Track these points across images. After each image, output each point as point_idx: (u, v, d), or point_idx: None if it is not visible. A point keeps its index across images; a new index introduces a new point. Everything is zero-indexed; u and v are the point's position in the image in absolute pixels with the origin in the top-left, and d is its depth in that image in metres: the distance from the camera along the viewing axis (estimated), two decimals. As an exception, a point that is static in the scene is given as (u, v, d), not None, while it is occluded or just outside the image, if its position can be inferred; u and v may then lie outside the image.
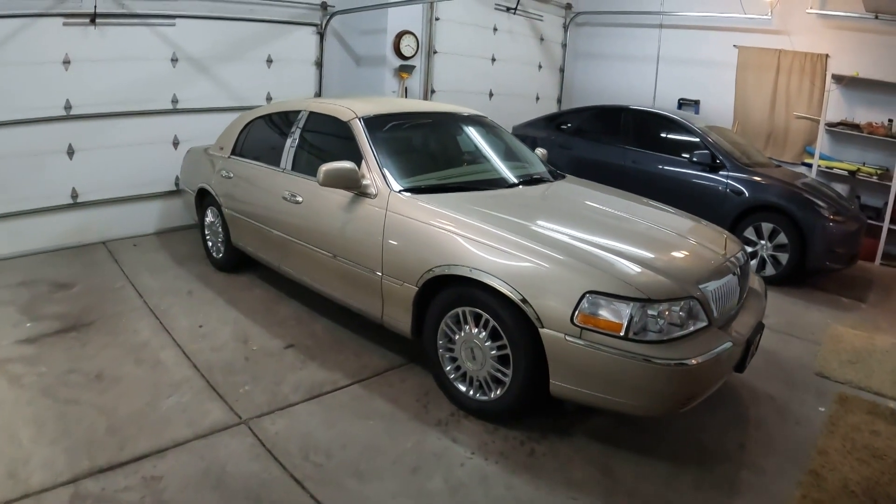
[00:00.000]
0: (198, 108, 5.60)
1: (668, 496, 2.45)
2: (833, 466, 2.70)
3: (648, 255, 2.81)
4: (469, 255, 2.77)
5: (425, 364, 3.34)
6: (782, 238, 5.14)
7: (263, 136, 4.31)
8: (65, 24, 4.73)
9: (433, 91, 7.02)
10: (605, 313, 2.44)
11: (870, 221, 5.89)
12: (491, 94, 7.78)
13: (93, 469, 2.40)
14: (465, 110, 4.28)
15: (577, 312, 2.46)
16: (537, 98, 8.55)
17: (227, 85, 5.76)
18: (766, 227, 5.22)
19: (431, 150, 3.87)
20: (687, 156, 5.66)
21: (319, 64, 6.44)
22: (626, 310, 2.42)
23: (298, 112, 3.98)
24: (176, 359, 3.35)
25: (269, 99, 6.09)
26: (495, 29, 7.64)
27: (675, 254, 2.95)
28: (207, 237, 4.83)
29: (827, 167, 6.73)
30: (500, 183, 3.58)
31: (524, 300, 2.56)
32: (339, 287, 3.46)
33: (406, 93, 6.62)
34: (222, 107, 5.73)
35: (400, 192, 3.17)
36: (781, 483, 2.57)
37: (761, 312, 3.12)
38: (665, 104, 7.84)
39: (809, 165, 6.80)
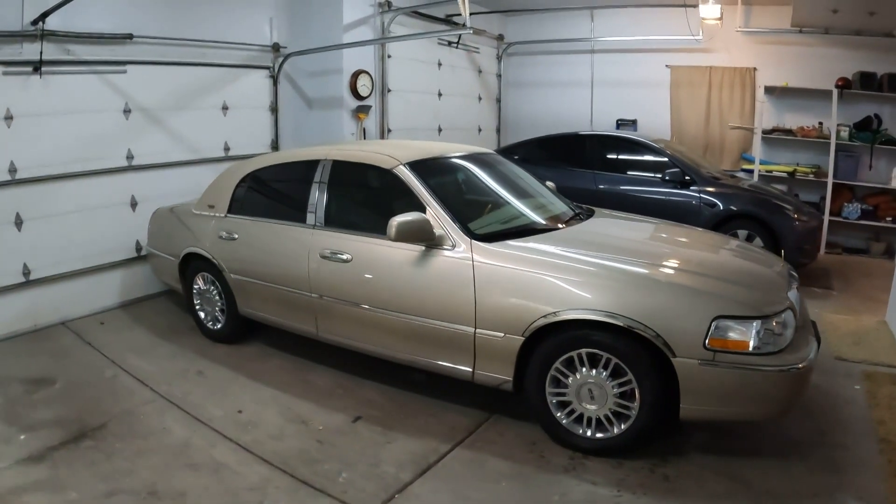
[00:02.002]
0: (155, 163, 5.10)
1: (794, 486, 2.71)
2: (894, 432, 3.15)
3: (741, 275, 3.02)
4: (585, 297, 2.75)
5: (510, 412, 3.27)
6: (758, 242, 5.63)
7: (270, 190, 4.00)
8: (4, 73, 4.16)
9: (389, 130, 6.93)
10: (733, 335, 2.59)
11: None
12: (440, 130, 7.84)
13: None
14: (478, 148, 4.26)
15: (707, 337, 2.56)
16: (479, 130, 8.74)
17: (184, 136, 5.31)
18: (742, 233, 5.70)
19: (474, 193, 3.79)
20: (657, 175, 6.06)
21: (275, 109, 6.14)
22: (751, 328, 2.58)
23: (317, 162, 3.73)
24: (237, 456, 2.96)
25: (227, 149, 5.69)
26: (440, 64, 7.73)
27: (756, 270, 3.17)
28: (198, 306, 4.37)
29: (766, 171, 7.48)
30: (558, 220, 3.60)
31: (657, 335, 2.60)
32: (411, 347, 3.25)
33: (364, 133, 6.49)
34: (180, 160, 5.28)
35: (481, 240, 3.08)
36: (865, 453, 2.96)
37: (808, 312, 3.42)
38: (602, 125, 8.35)
39: (750, 171, 7.54)
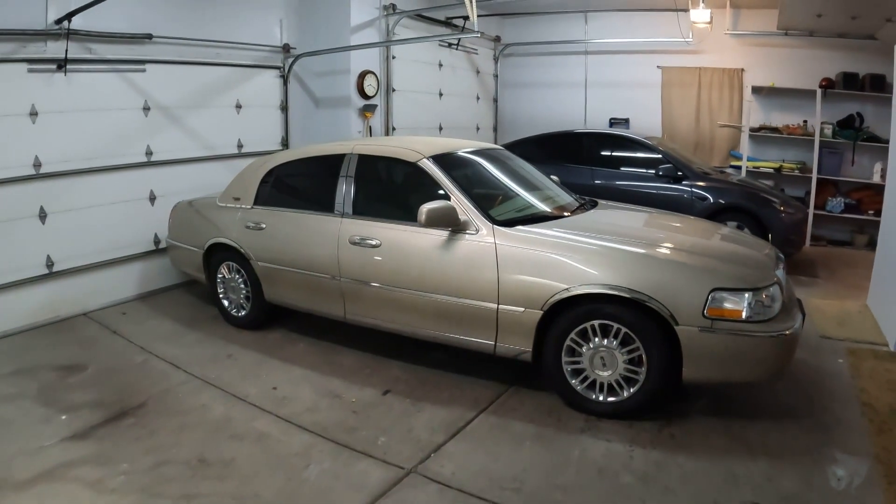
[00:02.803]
0: (172, 159, 5.38)
1: (790, 443, 3.07)
2: (877, 398, 3.55)
3: (734, 255, 3.41)
4: (594, 275, 3.11)
5: (528, 384, 3.61)
6: (747, 233, 6.04)
7: (297, 183, 4.31)
8: (29, 70, 4.39)
9: (394, 129, 7.26)
10: (728, 304, 2.96)
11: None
12: (441, 128, 8.19)
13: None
14: (487, 144, 4.62)
15: (706, 307, 2.94)
16: (477, 128, 9.12)
17: (199, 133, 5.59)
18: (732, 224, 6.10)
19: (485, 185, 4.12)
20: (652, 170, 6.46)
21: (285, 108, 6.44)
22: (743, 299, 2.95)
23: (343, 156, 4.05)
24: (278, 427, 3.24)
25: (240, 146, 5.98)
26: (440, 65, 8.09)
27: (746, 252, 3.55)
28: (222, 295, 4.66)
29: (754, 167, 7.94)
30: (565, 209, 3.95)
31: (661, 306, 2.97)
32: (438, 324, 3.58)
33: (370, 132, 6.81)
34: (196, 157, 5.57)
35: (501, 225, 3.42)
36: (850, 416, 3.35)
37: (794, 291, 3.82)
38: (595, 124, 8.78)
39: (738, 167, 7.99)
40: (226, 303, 4.64)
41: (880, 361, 4.11)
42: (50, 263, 4.68)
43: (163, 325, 4.73)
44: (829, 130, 7.67)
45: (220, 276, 4.62)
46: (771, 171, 7.92)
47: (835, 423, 3.26)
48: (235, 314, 4.60)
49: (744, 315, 2.94)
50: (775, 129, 7.97)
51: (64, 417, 3.34)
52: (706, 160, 8.13)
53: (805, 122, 7.89)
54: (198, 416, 3.36)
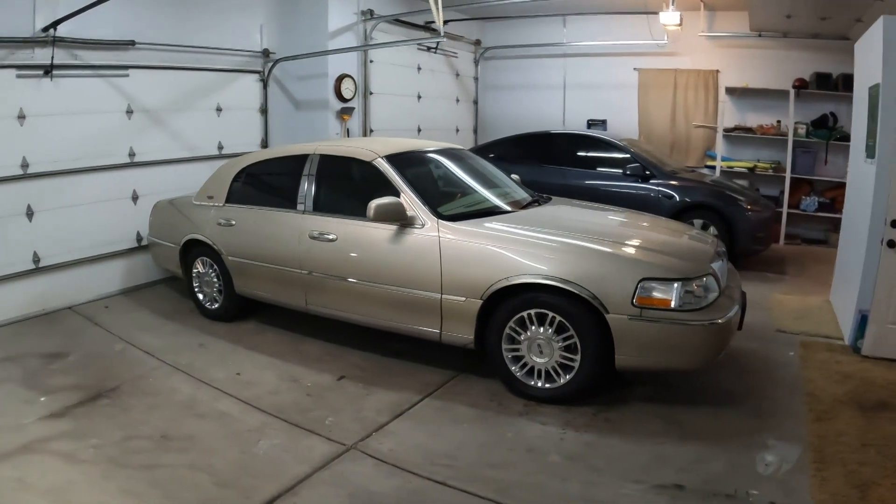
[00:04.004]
0: (154, 160, 5.65)
1: (723, 427, 3.25)
2: (821, 388, 3.68)
3: (669, 247, 3.62)
4: (534, 266, 3.34)
5: (476, 371, 3.84)
6: (713, 230, 6.25)
7: (264, 182, 4.57)
8: (18, 76, 4.66)
9: (371, 130, 7.52)
10: (657, 294, 3.17)
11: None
12: (419, 130, 8.45)
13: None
14: (450, 144, 4.87)
15: (635, 296, 3.15)
16: (457, 130, 9.38)
17: (181, 135, 5.86)
18: (698, 222, 6.30)
19: (443, 181, 4.38)
20: (620, 170, 6.68)
21: (264, 111, 6.72)
22: (672, 288, 3.15)
23: (306, 156, 4.31)
24: (238, 407, 3.50)
25: (220, 147, 6.25)
26: (419, 68, 8.35)
27: (684, 244, 3.77)
28: (197, 289, 4.92)
29: (728, 167, 8.15)
30: (517, 205, 4.18)
31: (593, 296, 3.19)
32: (388, 313, 3.83)
33: (348, 133, 7.07)
34: (178, 158, 5.83)
35: (446, 220, 3.67)
36: (791, 404, 3.49)
37: (740, 284, 4.01)
38: (574, 125, 9.02)
39: (713, 167, 8.19)
40: (200, 296, 4.91)
41: (832, 354, 4.22)
42: (37, 259, 4.94)
43: (142, 317, 4.99)
44: (802, 130, 7.85)
45: (195, 270, 4.89)
46: (745, 170, 8.11)
47: (774, 411, 3.42)
48: (209, 307, 4.86)
49: (673, 304, 3.14)
50: (749, 130, 8.17)
51: (43, 399, 3.59)
52: (682, 160, 8.35)
53: (779, 122, 8.08)
54: (166, 398, 3.63)
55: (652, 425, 3.27)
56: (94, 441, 3.13)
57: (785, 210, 7.80)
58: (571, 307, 3.27)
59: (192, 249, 4.85)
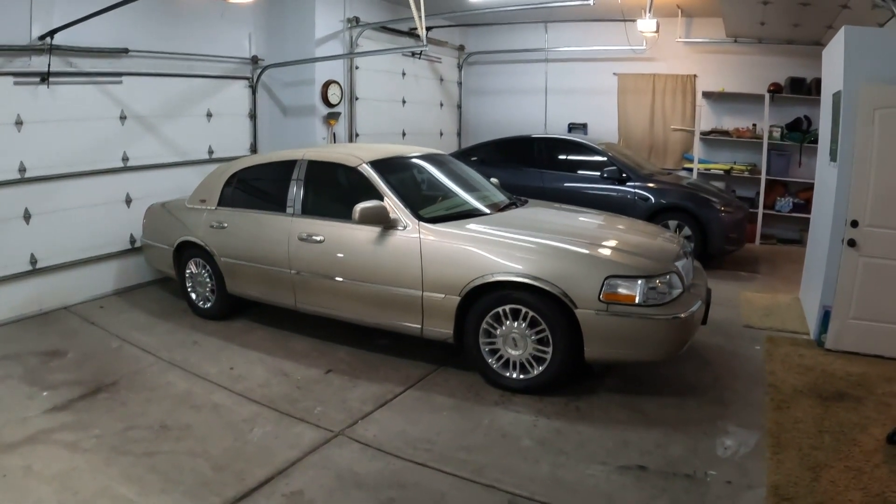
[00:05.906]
0: (147, 164, 5.88)
1: (686, 415, 3.52)
2: (783, 380, 3.93)
3: (635, 247, 3.90)
4: (508, 264, 3.61)
5: (456, 364, 4.11)
6: (686, 231, 6.56)
7: (255, 186, 4.82)
8: (15, 83, 4.87)
9: (357, 135, 7.78)
10: (622, 290, 3.44)
11: (745, 210, 7.57)
12: (404, 134, 8.73)
13: (227, 501, 2.74)
14: (432, 150, 5.14)
15: (601, 293, 3.42)
16: (441, 134, 9.69)
17: (173, 140, 6.09)
18: (672, 223, 6.62)
19: (425, 185, 4.65)
20: (598, 173, 6.98)
21: (253, 116, 6.96)
22: (636, 285, 3.43)
23: (294, 161, 4.57)
24: (232, 399, 3.75)
25: (211, 152, 6.48)
26: (404, 73, 8.63)
27: (651, 244, 4.06)
28: (190, 289, 5.15)
29: (705, 169, 8.48)
30: (495, 208, 4.46)
31: (563, 292, 3.47)
32: (373, 310, 4.10)
33: (335, 138, 7.33)
34: (170, 162, 6.06)
35: (427, 222, 3.94)
36: (752, 395, 3.75)
37: (706, 282, 4.31)
38: (555, 129, 9.34)
39: (690, 170, 8.52)
40: (193, 296, 5.14)
41: (796, 348, 4.44)
42: (34, 261, 5.15)
43: (137, 316, 5.22)
44: (777, 133, 8.18)
45: (188, 271, 5.13)
46: (722, 172, 8.45)
47: (735, 401, 3.67)
48: (202, 306, 5.10)
49: (637, 300, 3.41)
50: (726, 133, 8.50)
51: (45, 394, 3.82)
52: (660, 163, 8.67)
53: (754, 125, 8.42)
54: (163, 392, 3.87)
55: (618, 414, 3.54)
56: (96, 431, 3.37)
57: (760, 211, 8.14)
58: (543, 303, 3.54)
59: (185, 251, 5.08)
